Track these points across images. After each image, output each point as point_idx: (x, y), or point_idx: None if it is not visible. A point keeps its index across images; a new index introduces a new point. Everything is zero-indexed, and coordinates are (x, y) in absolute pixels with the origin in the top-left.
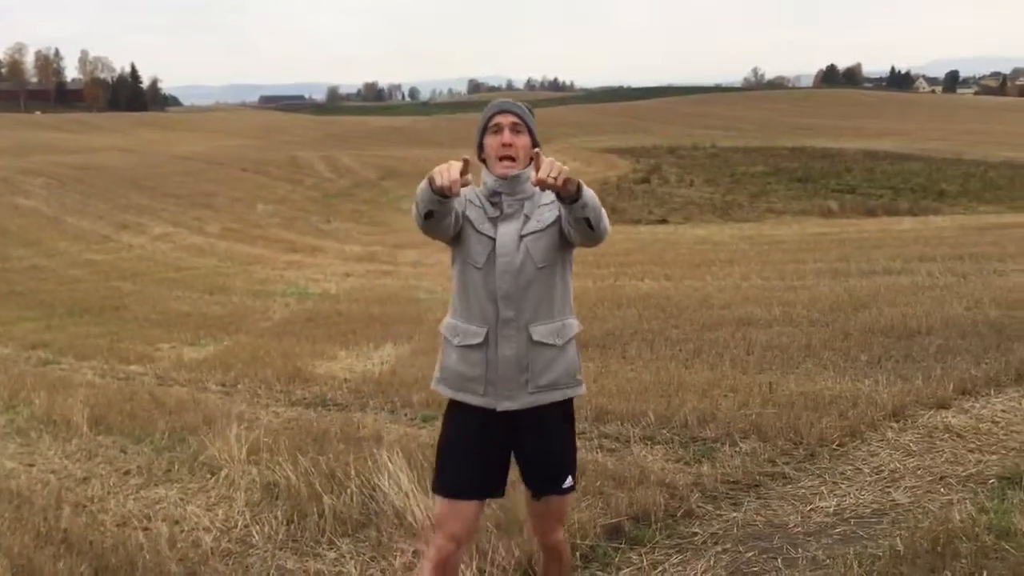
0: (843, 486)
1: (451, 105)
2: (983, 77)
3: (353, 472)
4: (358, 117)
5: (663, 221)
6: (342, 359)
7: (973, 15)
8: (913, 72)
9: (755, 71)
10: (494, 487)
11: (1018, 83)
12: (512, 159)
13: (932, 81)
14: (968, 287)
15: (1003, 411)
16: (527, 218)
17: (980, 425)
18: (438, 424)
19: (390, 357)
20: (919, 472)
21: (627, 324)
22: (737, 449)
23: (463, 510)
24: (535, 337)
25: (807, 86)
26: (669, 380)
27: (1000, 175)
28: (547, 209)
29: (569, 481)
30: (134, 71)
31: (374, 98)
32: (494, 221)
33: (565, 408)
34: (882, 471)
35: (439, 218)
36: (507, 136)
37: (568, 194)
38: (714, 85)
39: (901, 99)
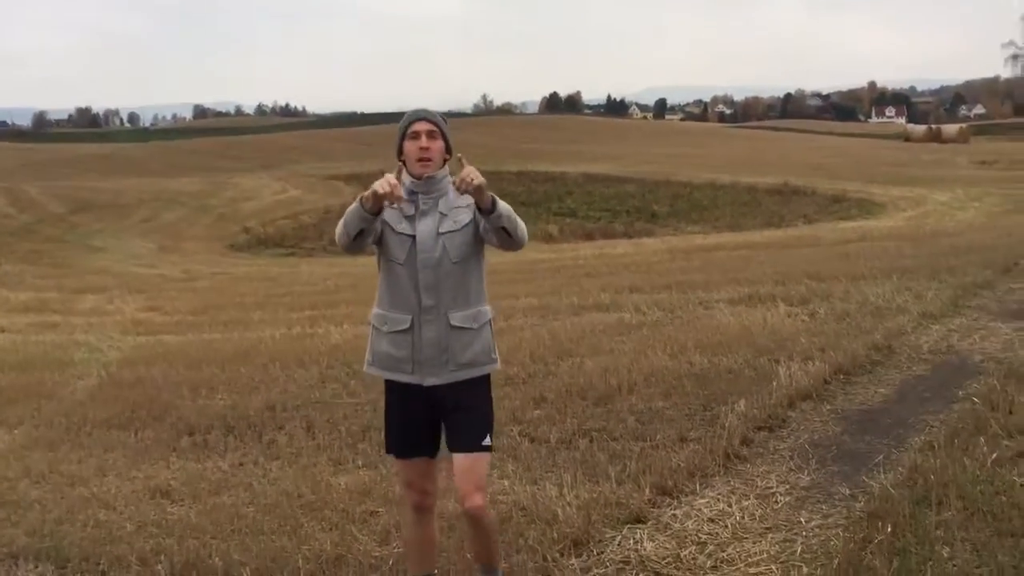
0: None
1: (175, 131)
2: (687, 104)
3: None
4: (68, 144)
5: None
6: None
7: (677, 48)
8: (627, 100)
9: (484, 97)
10: (430, 447)
11: (717, 109)
12: (429, 160)
13: (644, 108)
14: (674, 326)
15: (710, 520)
16: (443, 215)
17: (682, 552)
18: None
19: None
20: None
21: (301, 390)
22: None
23: (412, 466)
24: (453, 322)
25: (533, 112)
26: (308, 491)
27: (704, 195)
28: (463, 211)
29: (488, 439)
30: None
31: (88, 124)
32: (411, 219)
33: (483, 381)
34: None
35: (367, 234)
36: (424, 141)
37: (485, 206)
38: (445, 111)
39: (617, 125)
